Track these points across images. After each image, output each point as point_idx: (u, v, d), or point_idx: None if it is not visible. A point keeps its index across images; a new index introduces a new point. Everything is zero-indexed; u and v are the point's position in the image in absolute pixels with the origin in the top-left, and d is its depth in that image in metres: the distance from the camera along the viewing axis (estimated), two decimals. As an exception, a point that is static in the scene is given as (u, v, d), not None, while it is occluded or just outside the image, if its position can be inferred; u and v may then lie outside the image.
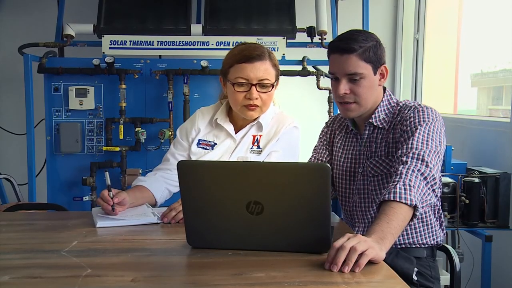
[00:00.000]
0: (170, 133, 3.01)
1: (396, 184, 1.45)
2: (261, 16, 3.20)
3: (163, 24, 3.15)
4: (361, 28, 2.13)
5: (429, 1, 3.83)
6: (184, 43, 3.09)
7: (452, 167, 2.58)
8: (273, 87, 1.89)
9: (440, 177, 1.63)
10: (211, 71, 3.01)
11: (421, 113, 1.64)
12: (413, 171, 1.49)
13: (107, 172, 1.74)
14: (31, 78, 2.98)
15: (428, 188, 1.50)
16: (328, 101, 3.16)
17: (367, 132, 1.75)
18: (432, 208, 1.74)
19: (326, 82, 2.73)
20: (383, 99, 1.73)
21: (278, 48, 3.07)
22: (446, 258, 1.88)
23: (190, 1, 3.23)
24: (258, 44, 1.92)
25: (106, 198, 1.68)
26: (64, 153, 3.08)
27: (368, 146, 1.74)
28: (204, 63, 2.99)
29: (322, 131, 1.94)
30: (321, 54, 2.98)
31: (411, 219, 1.43)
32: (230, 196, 1.30)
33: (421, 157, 1.53)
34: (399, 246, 1.71)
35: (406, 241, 1.71)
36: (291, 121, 1.97)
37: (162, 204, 1.91)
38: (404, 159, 1.54)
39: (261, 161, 1.86)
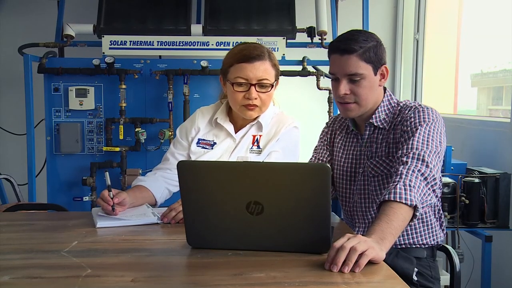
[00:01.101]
0: (170, 133, 3.01)
1: (396, 184, 1.45)
2: (261, 16, 3.20)
3: (163, 24, 3.15)
4: (361, 28, 2.13)
5: (429, 1, 3.84)
6: (184, 43, 3.09)
7: (452, 167, 2.58)
8: (272, 87, 1.89)
9: (440, 177, 1.63)
10: (211, 71, 3.02)
11: (421, 114, 1.64)
12: (413, 171, 1.49)
13: (107, 172, 1.74)
14: (31, 78, 2.98)
15: (428, 189, 1.50)
16: (328, 101, 3.16)
17: (367, 132, 1.75)
18: (432, 209, 1.74)
19: (326, 82, 2.73)
20: (384, 99, 1.73)
21: (278, 48, 3.07)
22: (446, 258, 1.88)
23: (190, 1, 3.23)
24: (258, 44, 1.92)
25: (106, 198, 1.68)
26: (64, 153, 3.08)
27: (369, 146, 1.74)
28: (204, 63, 2.99)
29: (323, 131, 1.94)
30: (321, 54, 2.98)
31: (411, 220, 1.43)
32: (230, 196, 1.30)
33: (421, 157, 1.53)
34: (399, 246, 1.71)
35: (406, 241, 1.72)
36: (291, 121, 1.97)
37: (162, 204, 1.91)
38: (405, 159, 1.54)
39: (261, 161, 1.86)
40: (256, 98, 1.86)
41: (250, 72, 1.84)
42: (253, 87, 1.84)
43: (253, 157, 1.90)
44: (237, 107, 1.89)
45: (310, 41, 3.20)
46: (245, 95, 1.86)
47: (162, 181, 1.92)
